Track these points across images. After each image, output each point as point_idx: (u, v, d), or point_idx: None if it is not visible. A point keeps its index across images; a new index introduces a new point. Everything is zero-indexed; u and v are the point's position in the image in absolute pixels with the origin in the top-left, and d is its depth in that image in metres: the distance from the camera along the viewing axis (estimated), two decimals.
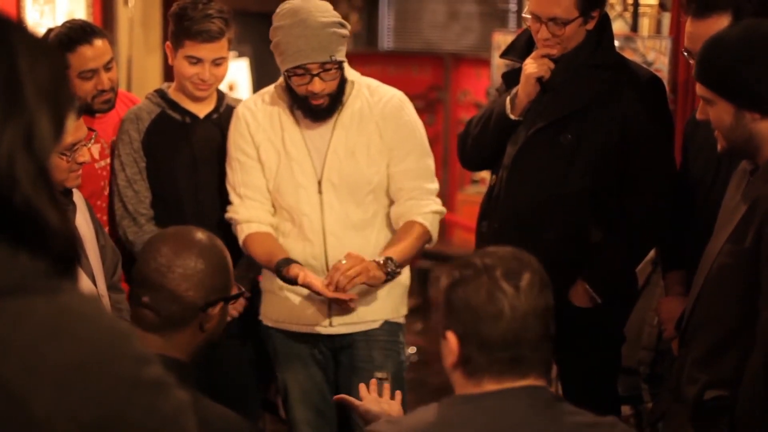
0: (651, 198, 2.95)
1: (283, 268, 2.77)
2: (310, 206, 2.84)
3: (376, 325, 2.92)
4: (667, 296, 3.05)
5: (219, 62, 3.13)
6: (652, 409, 2.77)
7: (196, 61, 3.10)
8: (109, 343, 1.05)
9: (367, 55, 7.44)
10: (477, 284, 1.62)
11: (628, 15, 5.06)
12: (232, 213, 2.94)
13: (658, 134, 2.96)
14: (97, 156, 3.18)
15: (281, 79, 2.86)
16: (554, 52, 2.95)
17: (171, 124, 3.21)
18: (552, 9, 2.88)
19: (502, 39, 5.49)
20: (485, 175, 5.74)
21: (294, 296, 2.92)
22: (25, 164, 1.05)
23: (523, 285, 1.62)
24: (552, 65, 2.95)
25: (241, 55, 6.28)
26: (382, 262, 2.70)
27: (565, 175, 2.95)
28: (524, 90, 2.98)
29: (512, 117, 3.01)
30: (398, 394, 2.40)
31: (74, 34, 3.09)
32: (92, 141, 2.73)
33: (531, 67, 2.96)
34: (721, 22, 2.65)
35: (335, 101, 2.79)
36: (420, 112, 2.94)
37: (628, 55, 4.55)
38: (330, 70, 2.73)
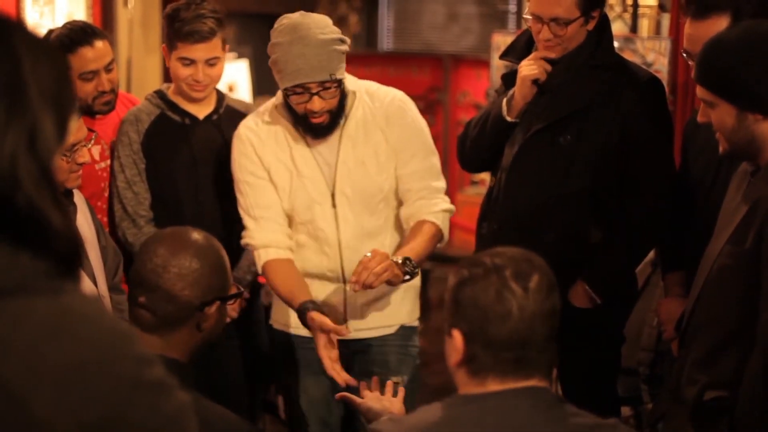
0: (650, 199, 2.95)
1: (306, 315, 2.64)
2: (325, 221, 2.79)
3: (392, 330, 2.89)
4: (666, 297, 3.05)
5: (213, 62, 3.12)
6: (652, 410, 2.77)
7: (189, 62, 3.10)
8: (110, 344, 1.05)
9: (367, 56, 7.44)
10: (486, 283, 1.63)
11: (627, 16, 5.07)
12: (248, 239, 2.84)
13: (658, 135, 2.97)
14: (97, 157, 3.18)
15: (280, 96, 2.79)
16: (554, 54, 2.95)
17: (170, 126, 3.21)
18: (554, 9, 2.88)
19: (502, 40, 5.50)
20: (485, 176, 5.74)
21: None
22: (28, 165, 1.05)
23: (532, 286, 1.62)
24: (548, 67, 2.95)
25: (240, 56, 6.29)
26: (400, 261, 2.62)
27: (564, 176, 2.96)
28: (520, 92, 2.99)
29: (508, 119, 3.02)
30: (401, 391, 2.40)
31: (75, 35, 3.09)
32: (92, 142, 2.73)
33: (527, 69, 2.96)
34: (720, 23, 2.65)
35: (336, 118, 2.73)
36: (420, 113, 2.92)
37: (627, 56, 4.56)
38: (330, 88, 2.66)
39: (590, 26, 2.94)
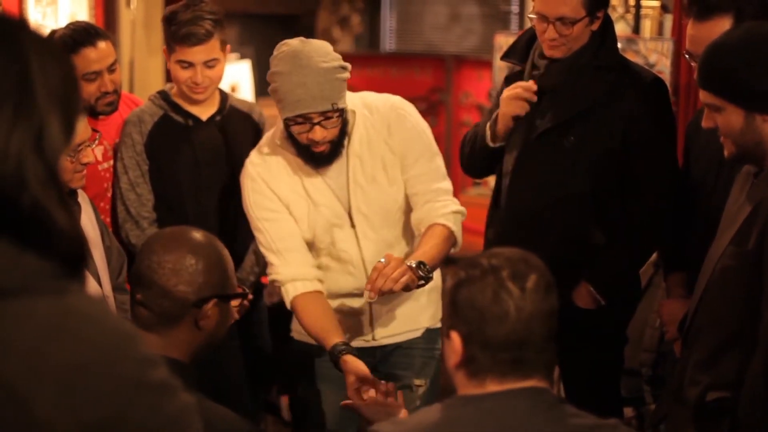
0: (653, 199, 2.95)
1: (339, 357, 2.55)
2: (346, 242, 2.75)
3: (417, 334, 2.85)
4: (668, 298, 3.05)
5: (211, 64, 3.11)
6: (654, 410, 2.77)
7: (188, 65, 3.10)
8: (114, 345, 1.05)
9: (369, 56, 7.44)
10: (483, 284, 1.62)
11: (630, 17, 5.06)
12: (274, 275, 2.74)
13: (661, 136, 2.96)
14: (100, 158, 3.18)
15: (280, 125, 2.71)
16: (559, 54, 2.95)
17: (173, 127, 3.21)
18: (560, 8, 2.87)
19: (504, 41, 5.49)
20: (489, 177, 5.74)
21: (338, 312, 2.81)
22: (35, 165, 1.05)
23: (529, 287, 1.62)
24: (533, 98, 2.95)
25: (243, 56, 6.28)
26: (414, 266, 2.54)
27: (568, 177, 2.96)
28: (502, 123, 3.01)
29: (492, 145, 3.04)
30: (400, 394, 2.40)
31: (78, 36, 3.09)
32: (96, 142, 2.73)
33: (507, 106, 2.96)
34: (722, 25, 2.64)
35: (337, 146, 2.67)
36: (422, 114, 2.88)
37: (630, 57, 4.55)
38: (332, 117, 2.59)
39: (594, 26, 2.94)
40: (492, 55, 5.73)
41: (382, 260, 2.50)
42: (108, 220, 3.19)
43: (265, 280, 3.18)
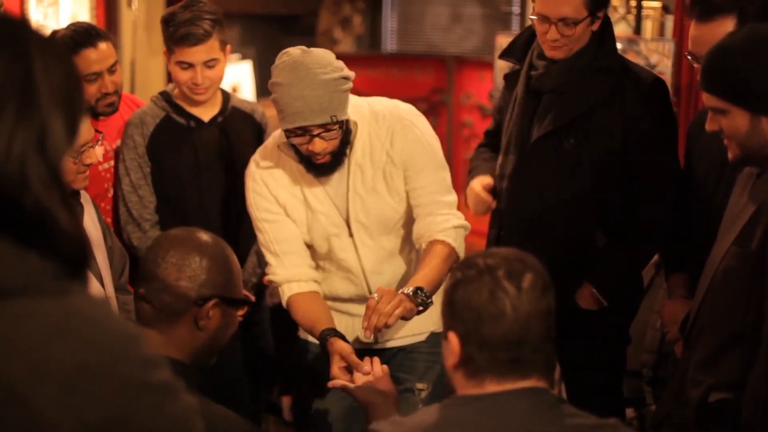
0: (655, 201, 2.95)
1: (326, 340, 2.57)
2: (345, 251, 2.74)
3: (422, 338, 2.83)
4: (670, 299, 3.05)
5: (211, 64, 3.11)
6: (656, 411, 2.77)
7: (187, 65, 3.09)
8: (116, 346, 1.05)
9: (371, 57, 7.45)
10: (479, 284, 1.62)
11: (631, 17, 5.07)
12: (271, 275, 2.75)
13: (662, 137, 2.96)
14: (101, 158, 3.18)
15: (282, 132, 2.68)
16: (561, 55, 2.95)
17: (175, 129, 3.21)
18: (562, 9, 2.87)
19: (505, 41, 5.48)
20: None
21: (338, 313, 2.82)
22: (38, 166, 1.05)
23: (525, 286, 1.62)
24: (491, 205, 3.00)
25: (244, 57, 6.29)
26: (411, 293, 2.51)
27: (569, 180, 2.95)
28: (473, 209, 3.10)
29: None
30: (385, 368, 2.39)
31: (78, 37, 3.09)
32: (99, 143, 2.73)
33: (473, 205, 3.05)
34: (725, 26, 2.62)
35: (339, 156, 2.64)
36: (423, 114, 2.87)
37: (631, 57, 4.55)
38: (332, 130, 2.54)
39: (595, 26, 2.94)
40: (493, 55, 5.74)
41: (375, 296, 2.48)
42: (109, 220, 3.19)
43: (266, 280, 3.18)
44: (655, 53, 4.74)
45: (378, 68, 7.21)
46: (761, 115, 2.11)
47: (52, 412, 0.99)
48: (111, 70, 3.14)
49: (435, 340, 2.83)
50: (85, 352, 1.02)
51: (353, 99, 2.67)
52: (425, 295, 2.53)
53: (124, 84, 3.64)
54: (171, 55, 3.11)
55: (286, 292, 2.73)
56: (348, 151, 2.66)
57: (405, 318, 2.51)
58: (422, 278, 2.57)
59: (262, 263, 3.18)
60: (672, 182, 2.97)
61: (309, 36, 7.23)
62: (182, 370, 1.85)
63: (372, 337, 2.47)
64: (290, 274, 2.73)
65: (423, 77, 7.26)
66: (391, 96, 2.87)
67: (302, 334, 2.90)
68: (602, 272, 2.97)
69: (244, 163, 2.78)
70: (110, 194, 3.28)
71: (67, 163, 1.14)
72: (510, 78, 3.15)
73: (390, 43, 7.65)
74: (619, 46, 4.70)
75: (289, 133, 2.56)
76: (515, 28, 6.80)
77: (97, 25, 4.29)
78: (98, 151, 3.13)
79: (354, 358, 2.49)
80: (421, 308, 2.53)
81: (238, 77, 5.92)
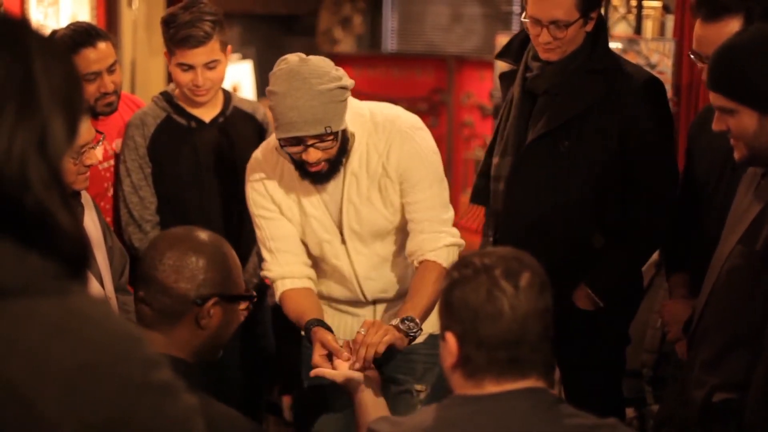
0: (652, 201, 2.93)
1: (310, 330, 2.59)
2: (338, 258, 2.74)
3: (420, 340, 2.78)
4: (670, 299, 3.05)
5: (212, 66, 3.10)
6: (658, 413, 2.76)
7: (188, 67, 3.09)
8: (117, 346, 1.05)
9: (371, 57, 7.45)
10: (476, 284, 1.62)
11: (631, 17, 5.07)
12: (266, 271, 2.78)
13: (659, 137, 2.94)
14: (100, 157, 3.18)
15: None
16: (555, 57, 2.94)
17: (176, 129, 3.21)
18: (553, 12, 2.85)
19: (506, 41, 5.49)
20: None
21: (338, 312, 2.84)
22: (38, 166, 1.05)
23: (522, 285, 1.61)
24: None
25: (244, 57, 6.29)
26: (399, 323, 2.51)
27: (565, 182, 2.94)
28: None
29: None
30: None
31: (78, 36, 3.09)
32: (100, 143, 2.74)
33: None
34: (731, 26, 2.60)
35: (335, 164, 2.62)
36: (423, 114, 2.87)
37: (631, 57, 4.56)
38: (327, 140, 2.52)
39: (589, 27, 2.93)
40: (493, 55, 5.73)
41: (362, 331, 2.47)
42: (109, 219, 3.19)
43: (268, 280, 3.18)
44: (655, 53, 4.74)
45: (378, 68, 7.21)
46: None
47: (53, 412, 0.99)
48: (110, 69, 3.14)
49: (433, 341, 2.81)
50: (86, 352, 1.03)
51: (355, 104, 2.66)
52: (413, 323, 2.53)
53: (124, 84, 3.64)
54: (172, 57, 3.10)
55: (280, 288, 2.75)
56: (344, 159, 2.64)
57: (396, 347, 2.50)
58: (412, 306, 2.57)
59: None
60: (670, 182, 2.96)
61: (309, 36, 7.23)
62: (184, 369, 1.86)
63: (358, 367, 2.45)
64: (284, 271, 2.75)
65: (423, 77, 7.26)
66: (391, 96, 2.86)
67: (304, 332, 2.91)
68: (599, 273, 2.96)
69: (246, 164, 2.78)
70: (110, 193, 3.28)
71: (67, 164, 1.14)
72: (506, 78, 3.15)
73: (390, 42, 7.65)
74: (619, 45, 4.71)
75: (283, 141, 2.55)
76: (515, 28, 6.80)
77: (98, 24, 4.28)
78: (98, 150, 3.13)
79: (334, 344, 2.50)
80: (410, 337, 2.53)
81: (239, 77, 5.93)
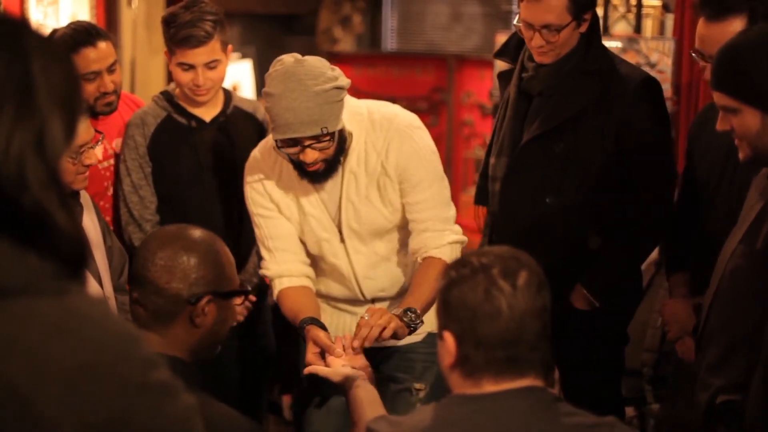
0: (649, 201, 2.92)
1: (304, 328, 2.60)
2: (336, 256, 2.75)
3: (419, 338, 2.81)
4: (671, 298, 3.05)
5: (212, 66, 3.09)
6: (659, 414, 2.76)
7: (188, 67, 3.08)
8: (116, 346, 1.05)
9: (371, 56, 7.44)
10: (474, 283, 1.62)
11: (631, 16, 5.06)
12: (264, 270, 2.80)
13: (655, 137, 2.93)
14: (100, 157, 3.18)
15: None
16: (548, 60, 2.94)
17: (177, 129, 3.20)
18: (544, 16, 2.84)
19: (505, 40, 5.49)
20: None
21: (336, 311, 2.85)
22: (36, 166, 1.05)
23: (520, 283, 1.61)
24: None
25: (244, 56, 6.29)
26: (401, 314, 2.52)
27: (560, 183, 2.94)
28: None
29: None
30: (356, 344, 2.44)
31: (78, 36, 3.09)
32: (99, 143, 2.73)
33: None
34: (735, 25, 2.59)
35: (333, 164, 2.63)
36: (423, 113, 2.86)
37: (631, 56, 4.56)
38: (323, 141, 2.53)
39: (583, 28, 2.92)
40: (493, 54, 5.74)
41: (366, 316, 2.50)
42: (108, 218, 3.19)
43: (267, 279, 3.18)
44: (655, 52, 4.74)
45: (378, 67, 7.21)
46: None
47: (53, 413, 0.99)
48: (110, 69, 3.13)
49: (432, 340, 2.80)
50: (85, 352, 1.03)
51: (353, 103, 2.66)
52: (415, 315, 2.54)
53: (124, 83, 3.64)
54: (172, 57, 3.10)
55: (277, 287, 2.76)
56: (342, 158, 2.65)
57: (397, 337, 2.52)
58: (414, 299, 2.58)
59: None
60: (667, 182, 2.96)
61: (309, 35, 7.23)
62: (182, 368, 1.86)
63: (358, 346, 2.47)
64: (282, 270, 2.75)
65: (423, 76, 7.25)
66: (392, 95, 2.86)
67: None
68: (595, 274, 2.95)
69: (246, 163, 2.78)
70: (110, 193, 3.27)
71: (65, 164, 1.14)
72: (503, 77, 3.15)
73: (390, 41, 7.65)
74: (619, 44, 4.72)
75: (280, 143, 2.55)
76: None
77: (97, 24, 4.28)
78: (98, 149, 3.13)
79: (326, 340, 2.50)
80: (411, 328, 2.54)
81: (239, 76, 5.92)
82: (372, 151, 2.67)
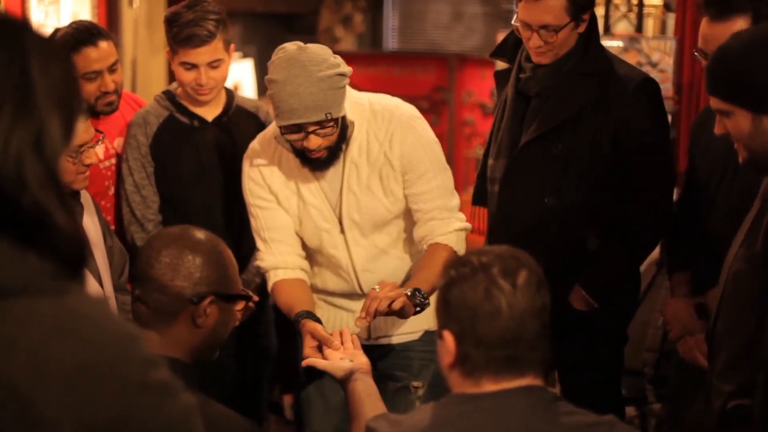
0: (648, 202, 2.92)
1: (299, 321, 2.59)
2: (335, 248, 2.74)
3: (416, 336, 2.83)
4: (672, 298, 3.04)
5: (215, 65, 3.09)
6: (661, 413, 2.75)
7: (191, 66, 3.08)
8: (116, 346, 1.05)
9: (372, 55, 7.44)
10: (474, 282, 1.62)
11: (632, 16, 5.06)
12: (259, 261, 2.79)
13: (654, 138, 2.92)
14: (101, 156, 3.18)
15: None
16: (546, 60, 2.93)
17: (179, 128, 3.20)
18: (543, 17, 2.83)
19: None
20: None
21: (332, 307, 2.84)
22: (35, 166, 1.05)
23: (520, 283, 1.61)
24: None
25: (245, 55, 6.29)
26: (409, 294, 2.51)
27: (559, 184, 2.93)
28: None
29: None
30: (355, 339, 2.43)
31: (79, 35, 3.09)
32: (99, 143, 2.73)
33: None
34: (739, 25, 2.58)
35: (335, 151, 2.63)
36: (424, 113, 2.84)
37: (632, 55, 4.55)
38: (327, 126, 2.54)
39: (581, 29, 2.91)
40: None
41: (377, 288, 2.49)
42: (110, 218, 3.19)
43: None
44: (656, 51, 4.73)
45: (379, 66, 7.21)
46: (762, 114, 2.09)
47: (53, 412, 1.00)
48: (111, 68, 3.13)
49: (429, 338, 2.83)
50: (85, 352, 1.03)
51: (353, 94, 2.67)
52: (422, 296, 2.54)
53: (126, 83, 3.64)
54: (174, 56, 3.10)
55: (272, 279, 2.75)
56: (344, 147, 2.65)
57: (402, 316, 2.51)
58: (421, 280, 2.57)
59: None
60: (666, 183, 2.95)
61: (310, 34, 7.23)
62: (182, 369, 1.85)
63: (363, 332, 2.48)
64: (277, 261, 2.75)
65: (424, 75, 7.25)
66: (393, 94, 2.86)
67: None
68: (594, 275, 2.95)
69: None
70: (111, 192, 3.27)
71: (65, 163, 1.14)
72: (500, 76, 3.14)
73: (391, 41, 7.65)
74: (620, 44, 4.71)
75: (284, 129, 2.56)
76: None
77: (99, 23, 4.28)
78: (99, 148, 3.13)
79: (323, 333, 2.49)
80: (418, 309, 2.53)
81: (240, 76, 5.93)
82: (374, 141, 2.67)
